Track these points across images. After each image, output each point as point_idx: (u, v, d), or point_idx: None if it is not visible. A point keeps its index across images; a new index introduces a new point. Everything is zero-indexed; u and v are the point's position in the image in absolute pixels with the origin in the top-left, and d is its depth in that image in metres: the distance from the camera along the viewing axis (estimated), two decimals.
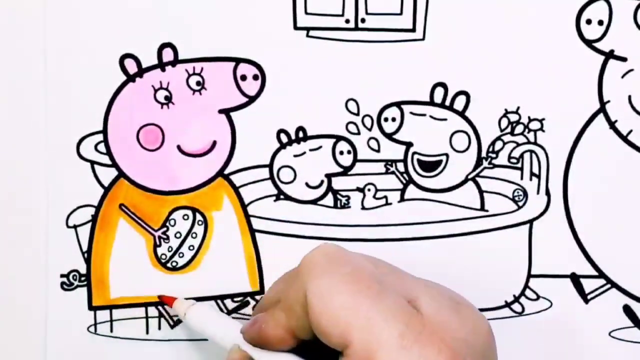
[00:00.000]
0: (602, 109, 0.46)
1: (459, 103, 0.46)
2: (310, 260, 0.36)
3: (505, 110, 0.46)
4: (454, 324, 0.34)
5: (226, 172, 0.46)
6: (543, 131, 0.46)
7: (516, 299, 0.47)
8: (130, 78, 0.45)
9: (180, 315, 0.44)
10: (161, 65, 0.45)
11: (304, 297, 0.35)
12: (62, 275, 0.46)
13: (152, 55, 0.45)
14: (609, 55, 0.46)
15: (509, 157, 0.46)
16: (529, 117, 0.46)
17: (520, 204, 0.46)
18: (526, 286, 0.47)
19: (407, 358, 0.32)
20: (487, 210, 0.47)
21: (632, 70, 0.46)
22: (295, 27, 0.45)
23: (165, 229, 0.46)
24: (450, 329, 0.34)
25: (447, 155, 0.46)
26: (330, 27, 0.46)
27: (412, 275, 0.39)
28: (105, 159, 0.46)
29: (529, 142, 0.46)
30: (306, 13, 0.45)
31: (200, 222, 0.46)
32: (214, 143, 0.46)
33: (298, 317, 0.36)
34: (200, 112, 0.46)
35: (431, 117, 0.46)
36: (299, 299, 0.36)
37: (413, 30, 0.46)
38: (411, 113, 0.46)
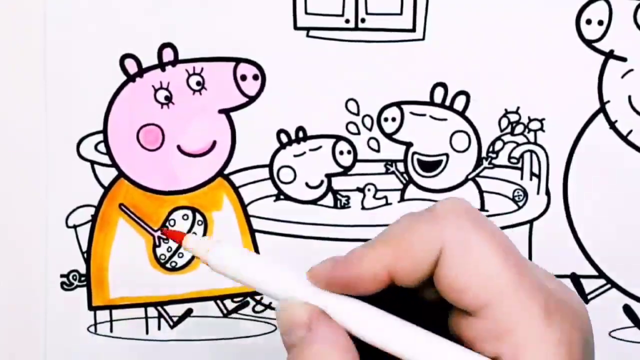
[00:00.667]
0: (602, 109, 0.46)
1: (459, 103, 0.46)
2: (452, 209, 0.32)
3: (505, 110, 0.46)
4: (578, 305, 0.33)
5: (226, 172, 0.46)
6: (543, 131, 0.46)
7: None
8: (131, 78, 0.45)
9: (201, 255, 0.34)
10: (161, 65, 0.45)
11: (437, 246, 0.31)
12: (62, 275, 0.46)
13: (152, 55, 0.45)
14: (609, 55, 0.46)
15: (509, 157, 0.46)
16: (529, 117, 0.46)
17: (520, 204, 0.47)
18: None
19: (552, 330, 0.31)
20: (487, 210, 0.47)
21: (632, 70, 0.46)
22: (295, 27, 0.46)
23: (165, 229, 0.46)
24: (576, 308, 0.33)
25: (447, 155, 0.46)
26: (330, 27, 0.46)
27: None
28: (105, 159, 0.46)
29: (529, 142, 0.46)
30: (306, 13, 0.45)
31: (200, 222, 0.46)
32: (214, 143, 0.46)
33: (414, 264, 0.31)
34: (200, 112, 0.46)
35: (431, 117, 0.46)
36: (427, 246, 0.31)
37: (413, 30, 0.46)
38: (411, 113, 0.46)
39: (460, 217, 0.32)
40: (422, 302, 0.33)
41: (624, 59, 0.46)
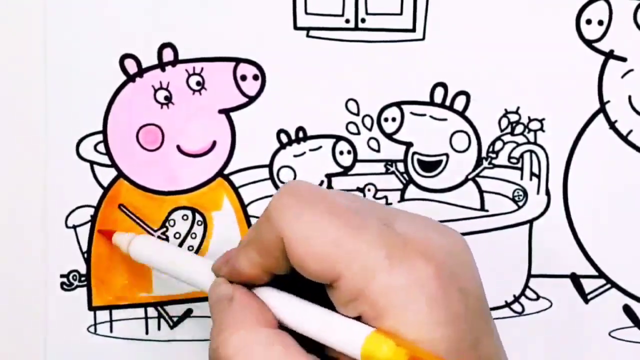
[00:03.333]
0: (602, 109, 0.46)
1: (459, 103, 0.46)
2: (280, 204, 0.35)
3: (505, 110, 0.46)
4: (434, 240, 0.34)
5: (226, 172, 0.46)
6: (543, 131, 0.46)
7: (516, 299, 0.47)
8: (130, 78, 0.45)
9: (123, 248, 0.44)
10: (161, 65, 0.45)
11: (280, 241, 0.35)
12: (62, 276, 0.46)
13: (152, 55, 0.45)
14: (609, 55, 0.46)
15: (509, 157, 0.46)
16: (529, 117, 0.46)
17: (520, 204, 0.46)
18: (526, 286, 0.47)
19: (399, 275, 0.33)
20: (487, 210, 0.47)
21: (632, 70, 0.46)
22: (295, 27, 0.45)
23: (164, 229, 0.46)
24: (431, 244, 0.34)
25: (447, 155, 0.46)
26: (330, 27, 0.46)
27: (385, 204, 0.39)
28: (105, 159, 0.46)
29: (529, 142, 0.46)
30: (306, 13, 0.45)
31: (199, 223, 0.46)
32: (214, 143, 0.46)
33: (275, 259, 0.35)
34: (200, 112, 0.46)
35: (431, 117, 0.46)
36: (274, 243, 0.35)
37: (413, 30, 0.46)
38: (411, 113, 0.46)
39: (289, 208, 0.35)
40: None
41: (624, 59, 0.46)
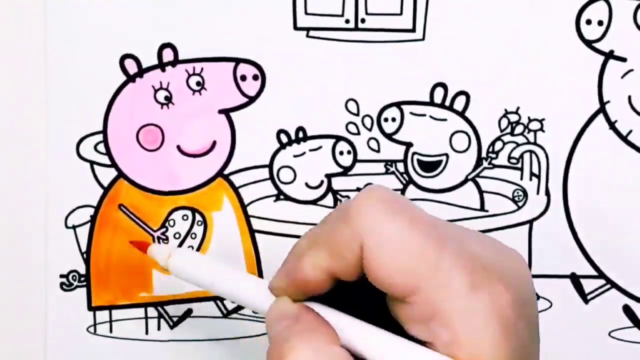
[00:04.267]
0: (602, 109, 0.46)
1: (459, 103, 0.46)
2: (364, 204, 0.33)
3: (505, 110, 0.46)
4: (507, 264, 0.34)
5: (226, 172, 0.46)
6: (543, 131, 0.46)
7: None
8: (131, 78, 0.45)
9: (161, 261, 0.40)
10: (161, 65, 0.45)
11: (357, 244, 0.33)
12: (61, 276, 0.46)
13: (152, 55, 0.45)
14: (609, 55, 0.46)
15: (509, 157, 0.46)
16: (529, 117, 0.46)
17: (520, 204, 0.46)
18: None
19: (479, 300, 0.32)
20: (487, 211, 0.47)
21: (632, 70, 0.46)
22: (295, 27, 0.45)
23: (164, 229, 0.46)
24: (505, 268, 0.33)
25: (447, 155, 0.46)
26: (330, 27, 0.46)
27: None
28: (105, 159, 0.46)
29: (529, 142, 0.46)
30: (306, 13, 0.45)
31: (199, 223, 0.46)
32: (214, 143, 0.46)
33: (347, 264, 0.33)
34: (200, 112, 0.46)
35: (431, 117, 0.46)
36: (350, 245, 0.33)
37: (413, 30, 0.46)
38: (411, 113, 0.46)
39: (373, 211, 0.33)
40: (375, 290, 0.35)
41: (624, 59, 0.46)
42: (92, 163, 0.46)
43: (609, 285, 0.47)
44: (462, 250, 0.33)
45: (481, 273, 0.32)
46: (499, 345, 0.31)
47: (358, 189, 0.46)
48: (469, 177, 0.46)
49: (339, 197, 0.46)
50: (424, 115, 0.46)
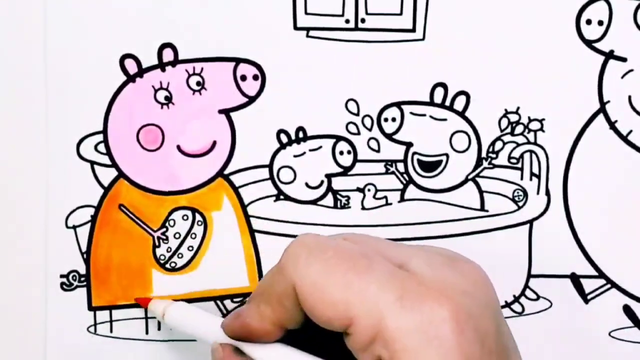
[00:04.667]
0: (602, 109, 0.46)
1: (459, 103, 0.46)
2: (292, 254, 0.36)
3: (505, 110, 0.46)
4: (451, 279, 0.34)
5: (226, 172, 0.46)
6: (543, 131, 0.46)
7: (516, 299, 0.47)
8: (131, 78, 0.45)
9: (158, 316, 0.44)
10: (161, 65, 0.45)
11: (292, 291, 0.35)
12: (61, 276, 0.46)
13: (152, 55, 0.45)
14: (609, 55, 0.46)
15: (509, 157, 0.46)
16: (529, 117, 0.46)
17: (520, 204, 0.47)
18: (526, 286, 0.47)
19: (411, 318, 0.33)
20: (487, 211, 0.47)
21: (632, 70, 0.46)
22: (295, 27, 0.45)
23: (164, 229, 0.46)
24: (447, 283, 0.34)
25: (447, 155, 0.46)
26: (330, 27, 0.46)
27: (400, 242, 0.40)
28: (105, 159, 0.46)
29: (529, 142, 0.46)
30: (306, 13, 0.45)
31: (199, 223, 0.46)
32: (214, 143, 0.46)
33: (287, 311, 0.36)
34: (200, 112, 0.46)
35: (431, 117, 0.46)
36: (287, 294, 0.36)
37: (413, 30, 0.46)
38: (411, 113, 0.46)
39: (299, 257, 0.36)
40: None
41: (624, 59, 0.46)
42: (92, 163, 0.46)
43: (609, 285, 0.47)
44: (393, 273, 0.34)
45: (414, 291, 0.33)
46: (436, 357, 0.32)
47: (358, 189, 0.46)
48: (469, 177, 0.46)
49: (339, 197, 0.46)
50: (424, 115, 0.46)
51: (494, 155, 0.46)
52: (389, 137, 0.46)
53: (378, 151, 0.46)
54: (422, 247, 0.38)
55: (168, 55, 0.45)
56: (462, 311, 0.33)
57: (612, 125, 0.46)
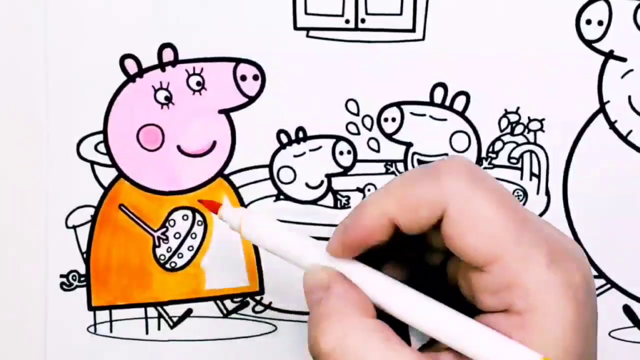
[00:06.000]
0: (602, 109, 0.46)
1: (459, 103, 0.46)
2: (453, 167, 0.34)
3: (505, 110, 0.46)
4: (577, 251, 0.35)
5: (226, 172, 0.46)
6: (543, 131, 0.46)
7: None
8: (131, 78, 0.45)
9: (232, 224, 0.38)
10: (161, 65, 0.45)
11: (440, 205, 0.33)
12: (61, 276, 0.46)
13: (153, 55, 0.45)
14: (609, 55, 0.46)
15: (509, 157, 0.46)
16: (529, 117, 0.46)
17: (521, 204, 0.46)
18: None
19: (556, 275, 0.33)
20: None
21: (632, 70, 0.46)
22: (295, 28, 0.46)
23: (164, 229, 0.46)
24: (577, 254, 0.34)
25: (447, 155, 0.46)
26: (330, 28, 0.46)
27: None
28: (105, 159, 0.46)
29: (529, 142, 0.46)
30: (306, 13, 0.45)
31: (199, 223, 0.46)
32: (214, 143, 0.46)
33: (418, 218, 0.34)
34: (200, 112, 0.46)
35: (431, 117, 0.46)
36: (431, 203, 0.33)
37: (413, 30, 0.46)
38: (411, 113, 0.46)
39: (461, 176, 0.34)
40: (429, 246, 0.36)
41: (624, 59, 0.46)
42: (92, 163, 0.46)
43: (609, 285, 0.47)
44: (540, 230, 0.34)
45: (558, 252, 0.33)
46: (571, 319, 0.32)
47: (358, 189, 0.46)
48: None
49: (339, 196, 0.46)
50: (424, 115, 0.46)
51: (494, 155, 0.46)
52: (389, 137, 0.46)
53: (378, 151, 0.46)
54: (542, 218, 0.37)
55: (168, 55, 0.45)
56: (588, 281, 0.34)
57: (612, 125, 0.46)
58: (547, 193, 0.46)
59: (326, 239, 0.46)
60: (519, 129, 0.46)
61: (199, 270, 0.46)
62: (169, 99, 0.46)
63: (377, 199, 0.35)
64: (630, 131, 0.46)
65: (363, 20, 0.45)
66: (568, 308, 0.32)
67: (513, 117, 0.46)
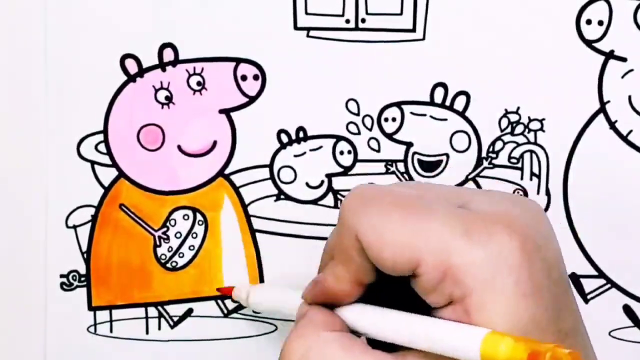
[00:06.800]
0: (602, 109, 0.46)
1: (459, 103, 0.46)
2: (349, 205, 0.35)
3: (505, 110, 0.46)
4: (513, 212, 0.34)
5: (226, 172, 0.46)
6: (543, 131, 0.46)
7: None
8: (131, 78, 0.45)
9: (242, 301, 0.45)
10: (162, 65, 0.45)
11: (357, 242, 0.34)
12: (61, 276, 0.46)
13: (153, 55, 0.45)
14: (609, 55, 0.46)
15: (509, 157, 0.46)
16: (529, 117, 0.46)
17: None
18: None
19: (480, 251, 0.32)
20: None
21: (632, 70, 0.46)
22: (296, 27, 0.46)
23: (165, 229, 0.46)
24: (511, 217, 0.33)
25: (447, 155, 0.46)
26: (330, 27, 0.46)
27: (457, 186, 0.39)
28: (106, 159, 0.46)
29: (529, 142, 0.46)
30: (306, 13, 0.45)
31: (200, 222, 0.46)
32: (215, 143, 0.46)
33: (358, 263, 0.35)
34: (200, 112, 0.46)
35: (431, 117, 0.46)
36: (352, 245, 0.35)
37: (413, 30, 0.46)
38: (411, 113, 0.46)
39: (357, 207, 0.35)
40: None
41: (624, 59, 0.46)
42: (92, 163, 0.46)
43: (609, 285, 0.47)
44: (453, 212, 0.34)
45: (476, 225, 0.33)
46: (508, 288, 0.32)
47: None
48: (470, 177, 0.46)
49: (339, 196, 0.46)
50: (425, 115, 0.46)
51: (494, 155, 0.46)
52: (389, 137, 0.46)
53: (378, 151, 0.46)
54: (479, 189, 0.37)
55: (168, 55, 0.45)
56: (529, 241, 0.33)
57: (612, 125, 0.46)
58: (547, 193, 0.46)
59: (326, 239, 0.46)
60: (519, 128, 0.46)
61: (199, 270, 0.46)
62: (169, 98, 0.46)
63: (332, 271, 0.36)
64: (631, 131, 0.46)
65: (363, 20, 0.45)
66: (502, 278, 0.32)
67: (513, 117, 0.46)
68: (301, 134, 0.46)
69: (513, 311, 0.31)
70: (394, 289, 0.36)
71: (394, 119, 0.46)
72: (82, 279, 0.46)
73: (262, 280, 0.46)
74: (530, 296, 0.32)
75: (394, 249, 0.33)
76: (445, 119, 0.46)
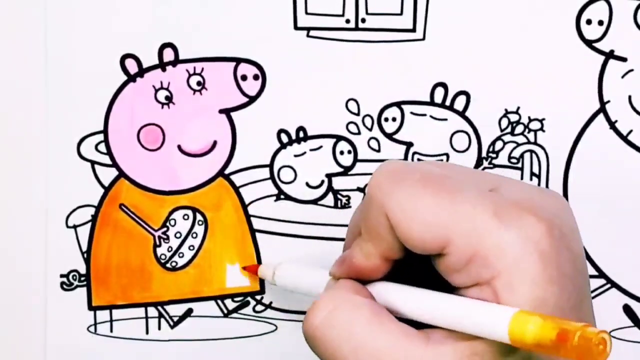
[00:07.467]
0: (602, 109, 0.46)
1: (459, 103, 0.46)
2: (377, 182, 0.35)
3: (505, 110, 0.46)
4: (541, 202, 0.34)
5: (226, 172, 0.46)
6: (543, 131, 0.46)
7: None
8: (131, 78, 0.45)
9: (268, 278, 0.44)
10: (162, 65, 0.45)
11: (385, 219, 0.34)
12: (61, 275, 0.46)
13: (153, 55, 0.45)
14: (609, 55, 0.46)
15: (509, 157, 0.46)
16: (529, 117, 0.46)
17: None
18: None
19: (510, 233, 0.32)
20: None
21: (632, 70, 0.46)
22: (296, 27, 0.46)
23: (165, 229, 0.46)
24: (539, 204, 0.34)
25: (447, 155, 0.46)
26: (330, 27, 0.46)
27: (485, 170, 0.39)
28: (106, 159, 0.46)
29: (529, 142, 0.46)
30: (306, 13, 0.45)
31: (200, 222, 0.46)
32: (215, 143, 0.46)
33: (386, 241, 0.35)
34: (200, 112, 0.46)
35: (431, 117, 0.46)
36: (381, 223, 0.34)
37: (413, 30, 0.46)
38: (411, 113, 0.46)
39: (385, 184, 0.34)
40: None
41: (624, 59, 0.46)
42: (92, 163, 0.46)
43: (609, 285, 0.47)
44: (483, 194, 0.34)
45: (507, 209, 0.33)
46: (536, 272, 0.32)
47: (359, 189, 0.46)
48: None
49: (339, 196, 0.46)
50: (425, 115, 0.46)
51: (494, 155, 0.46)
52: (390, 136, 0.46)
53: (378, 151, 0.46)
54: (506, 177, 0.37)
55: (168, 55, 0.45)
56: (557, 229, 0.33)
57: (612, 125, 0.46)
58: None
59: (326, 238, 0.46)
60: (519, 128, 0.46)
61: (199, 270, 0.46)
62: (169, 98, 0.46)
63: (359, 247, 0.36)
64: (631, 131, 0.46)
65: (363, 20, 0.46)
66: (531, 262, 0.32)
67: (513, 117, 0.46)
68: (301, 134, 0.46)
69: (540, 296, 0.32)
70: (416, 267, 0.36)
71: (394, 119, 0.46)
72: (82, 278, 0.46)
73: (262, 282, 0.46)
74: (557, 283, 0.32)
75: (423, 228, 0.33)
76: (446, 119, 0.46)
